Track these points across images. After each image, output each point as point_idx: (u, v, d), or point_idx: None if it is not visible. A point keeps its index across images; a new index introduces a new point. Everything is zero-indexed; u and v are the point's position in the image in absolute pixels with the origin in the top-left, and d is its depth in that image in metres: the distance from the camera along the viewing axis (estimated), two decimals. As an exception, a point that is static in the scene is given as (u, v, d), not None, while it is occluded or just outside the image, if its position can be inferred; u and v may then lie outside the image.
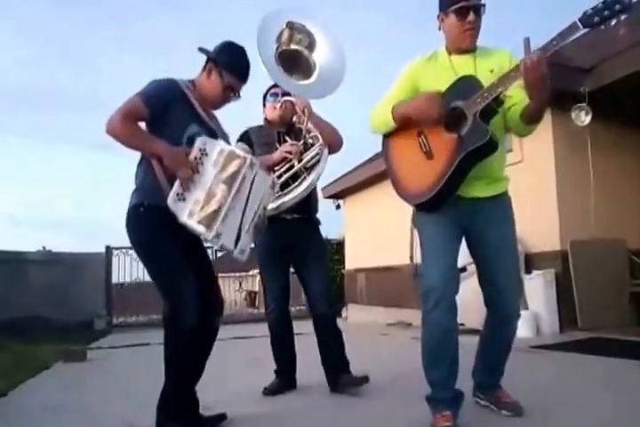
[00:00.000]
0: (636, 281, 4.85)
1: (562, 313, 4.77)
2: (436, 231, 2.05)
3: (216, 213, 2.00)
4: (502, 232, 2.10)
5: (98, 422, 2.50)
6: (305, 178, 2.74)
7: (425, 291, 2.00)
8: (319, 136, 2.80)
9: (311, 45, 2.65)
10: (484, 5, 2.03)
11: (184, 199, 2.03)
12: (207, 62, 2.27)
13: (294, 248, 2.87)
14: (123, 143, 2.06)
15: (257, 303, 14.64)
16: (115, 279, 9.13)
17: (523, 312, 4.70)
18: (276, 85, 2.88)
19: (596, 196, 4.87)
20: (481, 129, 1.90)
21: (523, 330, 4.64)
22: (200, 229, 1.99)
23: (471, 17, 1.99)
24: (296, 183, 2.74)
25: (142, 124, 2.14)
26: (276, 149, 2.84)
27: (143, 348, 5.62)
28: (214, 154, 2.07)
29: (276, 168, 2.78)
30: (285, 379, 2.92)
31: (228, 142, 2.29)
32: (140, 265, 8.80)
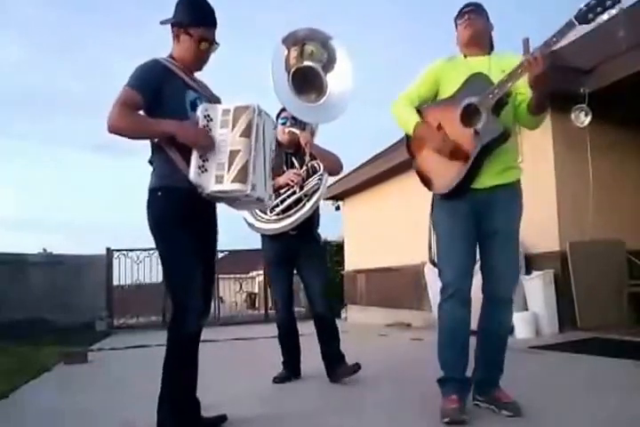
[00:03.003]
0: (634, 281, 4.85)
1: (561, 313, 4.78)
2: (453, 230, 2.23)
3: (246, 166, 2.01)
4: (511, 220, 2.27)
5: (99, 424, 2.51)
6: (304, 204, 3.09)
7: (442, 287, 2.24)
8: (320, 164, 3.15)
9: (328, 65, 2.77)
10: (477, 7, 2.31)
11: (206, 170, 2.04)
12: (172, 30, 2.20)
13: (297, 257, 3.23)
14: (130, 135, 2.04)
15: (257, 305, 14.66)
16: (115, 281, 9.14)
17: (522, 313, 4.74)
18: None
19: (595, 197, 4.88)
20: (495, 124, 2.13)
21: (522, 330, 4.66)
22: (236, 186, 2.00)
23: (467, 17, 2.31)
24: (297, 207, 3.08)
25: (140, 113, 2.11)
26: (283, 172, 3.18)
27: (144, 349, 5.63)
28: (219, 116, 2.08)
29: (281, 191, 3.12)
30: (291, 368, 3.26)
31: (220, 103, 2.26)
32: (141, 267, 8.90)
